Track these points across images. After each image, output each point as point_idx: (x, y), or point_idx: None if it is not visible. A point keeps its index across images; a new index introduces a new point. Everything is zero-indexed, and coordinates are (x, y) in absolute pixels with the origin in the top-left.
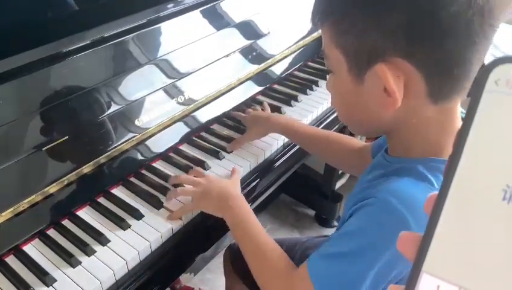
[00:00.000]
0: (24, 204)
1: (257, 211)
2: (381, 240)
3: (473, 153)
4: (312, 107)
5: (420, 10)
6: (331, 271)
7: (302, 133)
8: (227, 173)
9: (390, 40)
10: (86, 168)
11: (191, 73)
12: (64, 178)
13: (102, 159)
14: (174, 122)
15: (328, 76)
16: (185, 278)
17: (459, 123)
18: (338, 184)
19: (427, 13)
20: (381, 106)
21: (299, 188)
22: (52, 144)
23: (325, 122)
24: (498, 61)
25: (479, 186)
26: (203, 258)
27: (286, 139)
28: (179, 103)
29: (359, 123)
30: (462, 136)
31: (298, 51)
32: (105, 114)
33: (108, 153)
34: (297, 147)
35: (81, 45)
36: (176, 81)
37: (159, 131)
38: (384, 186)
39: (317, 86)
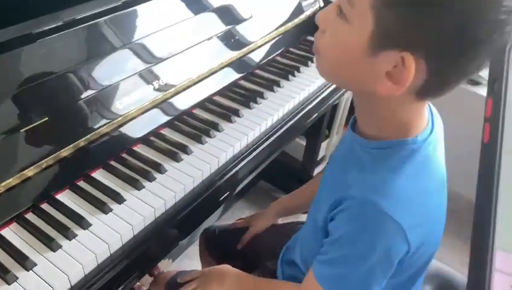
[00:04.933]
0: (0, 187)
1: (236, 197)
2: (370, 239)
3: None
4: (294, 93)
5: (470, 17)
6: (335, 272)
7: (299, 203)
8: (209, 157)
9: (432, 40)
10: (65, 152)
11: (172, 56)
12: (43, 161)
13: (81, 142)
14: (155, 106)
15: (324, 12)
16: (163, 265)
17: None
18: (316, 170)
19: (474, 21)
20: (379, 85)
21: (278, 174)
22: (30, 126)
23: (307, 109)
24: None
25: None
26: (179, 245)
27: (263, 129)
28: (160, 86)
29: (343, 78)
30: (497, 120)
31: (280, 37)
32: (85, 96)
33: (88, 136)
34: (276, 134)
35: (54, 26)
36: (157, 64)
37: (140, 114)
38: (362, 184)
39: (299, 72)
